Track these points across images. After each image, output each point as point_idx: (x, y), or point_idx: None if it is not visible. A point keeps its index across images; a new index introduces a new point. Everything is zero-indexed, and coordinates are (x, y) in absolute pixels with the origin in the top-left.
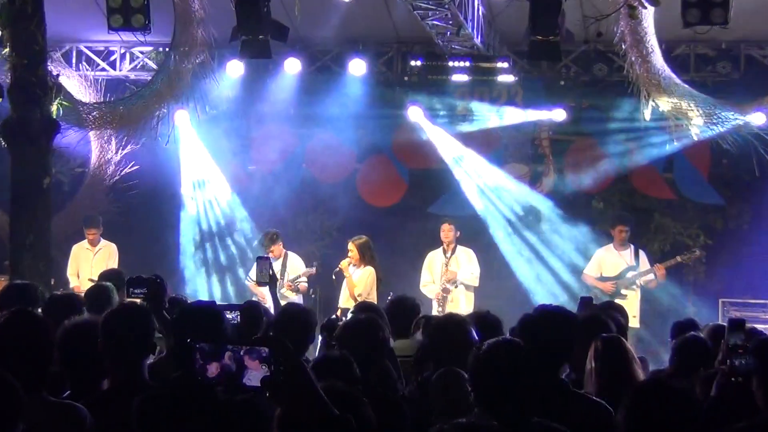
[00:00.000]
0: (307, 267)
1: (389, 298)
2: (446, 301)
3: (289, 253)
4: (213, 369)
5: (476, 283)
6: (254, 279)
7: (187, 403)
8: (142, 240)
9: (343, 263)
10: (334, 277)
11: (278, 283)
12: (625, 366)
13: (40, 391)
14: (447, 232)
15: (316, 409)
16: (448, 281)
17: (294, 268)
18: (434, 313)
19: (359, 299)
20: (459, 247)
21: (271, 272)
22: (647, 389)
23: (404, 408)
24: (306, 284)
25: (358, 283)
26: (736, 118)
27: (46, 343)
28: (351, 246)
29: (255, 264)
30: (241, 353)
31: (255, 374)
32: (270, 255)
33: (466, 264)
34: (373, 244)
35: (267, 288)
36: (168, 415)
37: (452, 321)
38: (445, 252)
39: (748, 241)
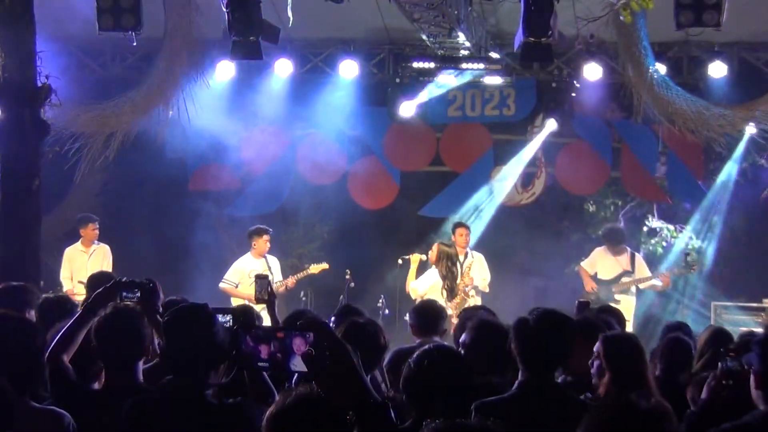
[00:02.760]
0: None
1: (379, 303)
2: (465, 305)
3: (268, 256)
4: (264, 352)
5: (487, 290)
6: (233, 282)
7: (178, 406)
8: (133, 242)
9: (415, 256)
10: (400, 261)
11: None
12: (637, 364)
13: (23, 396)
14: (465, 236)
15: (357, 393)
16: (466, 286)
17: (275, 271)
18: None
19: (412, 295)
20: (472, 252)
21: (270, 290)
22: (611, 410)
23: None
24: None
25: (419, 278)
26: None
27: (32, 347)
28: (434, 246)
29: (254, 281)
30: (290, 338)
31: (300, 359)
32: (253, 250)
33: (480, 269)
34: (451, 260)
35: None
36: (158, 418)
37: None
38: (457, 255)
39: (740, 244)
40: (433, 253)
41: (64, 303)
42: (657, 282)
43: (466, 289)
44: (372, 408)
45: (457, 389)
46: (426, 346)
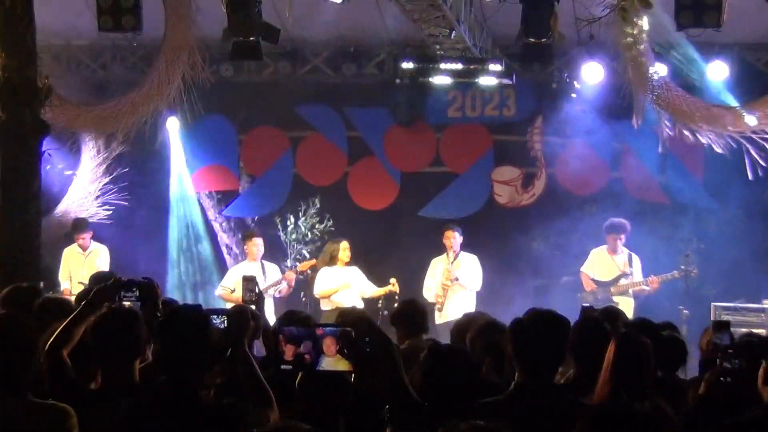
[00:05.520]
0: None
1: (379, 303)
2: (445, 297)
3: (265, 262)
4: (290, 353)
5: (475, 287)
6: (229, 287)
7: (173, 407)
8: (132, 243)
9: (304, 263)
10: (301, 277)
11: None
12: (641, 364)
13: (24, 393)
14: (450, 239)
15: (395, 390)
16: (446, 279)
17: (272, 274)
18: (436, 314)
19: (318, 296)
20: (462, 254)
21: (257, 291)
22: (606, 413)
23: None
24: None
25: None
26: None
27: (30, 345)
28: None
29: (241, 282)
30: (322, 339)
31: (329, 360)
32: (246, 252)
33: (468, 268)
34: (333, 248)
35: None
36: (154, 418)
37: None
38: (448, 257)
39: (740, 246)
40: (325, 253)
41: (63, 303)
42: (645, 287)
43: (445, 282)
44: (409, 406)
45: (466, 388)
46: (433, 345)
